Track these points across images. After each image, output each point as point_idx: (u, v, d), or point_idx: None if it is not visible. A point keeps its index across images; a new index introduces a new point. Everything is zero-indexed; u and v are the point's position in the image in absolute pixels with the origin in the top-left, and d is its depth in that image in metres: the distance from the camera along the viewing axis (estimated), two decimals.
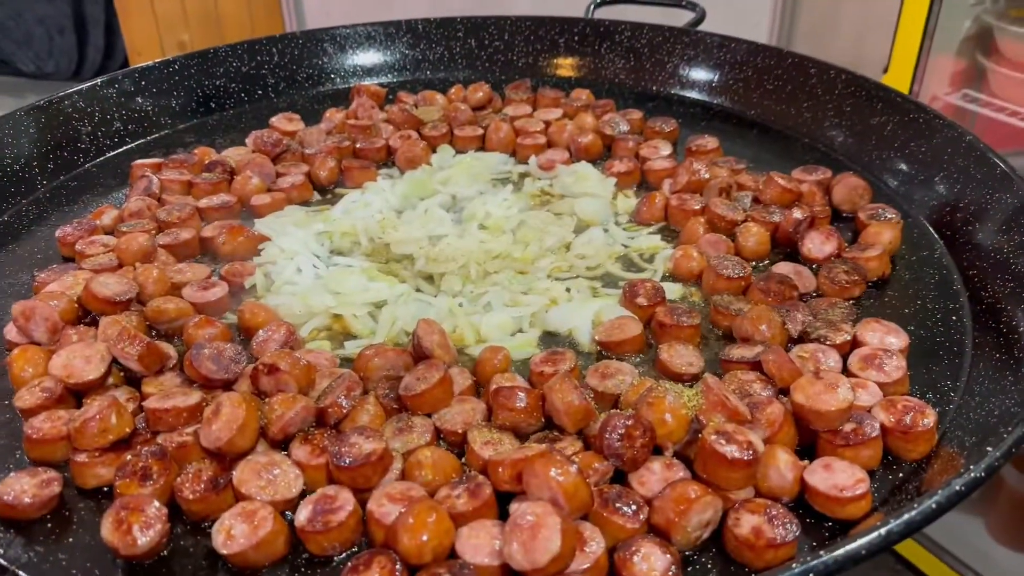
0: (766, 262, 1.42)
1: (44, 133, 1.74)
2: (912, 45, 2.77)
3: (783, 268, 1.36)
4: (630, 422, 0.97)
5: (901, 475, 1.00)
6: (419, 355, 1.15)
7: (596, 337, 1.24)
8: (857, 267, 1.33)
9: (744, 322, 1.21)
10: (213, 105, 2.00)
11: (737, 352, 1.16)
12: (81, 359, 1.12)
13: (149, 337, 1.20)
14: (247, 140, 1.79)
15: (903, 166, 1.62)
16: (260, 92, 2.06)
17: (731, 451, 0.93)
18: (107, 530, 0.91)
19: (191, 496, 0.95)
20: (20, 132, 1.70)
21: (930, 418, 1.02)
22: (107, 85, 1.85)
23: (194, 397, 1.06)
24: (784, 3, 3.29)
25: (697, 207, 1.52)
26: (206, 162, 1.70)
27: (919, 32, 2.73)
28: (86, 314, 1.27)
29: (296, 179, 1.64)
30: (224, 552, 0.89)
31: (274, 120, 1.86)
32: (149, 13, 4.31)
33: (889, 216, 1.44)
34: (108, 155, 1.81)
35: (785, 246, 1.44)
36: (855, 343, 1.18)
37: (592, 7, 2.30)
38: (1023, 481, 2.03)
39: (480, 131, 1.84)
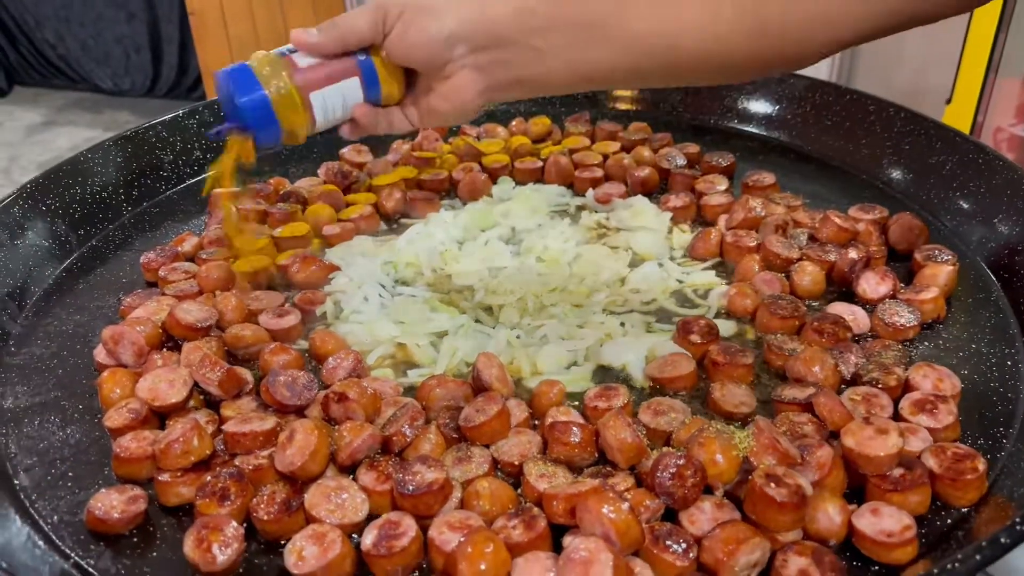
0: (820, 301, 1.44)
1: (130, 161, 1.84)
2: (976, 75, 2.74)
3: (838, 308, 1.38)
4: (681, 462, 1.00)
5: (950, 521, 1.02)
6: (478, 387, 1.21)
7: (649, 373, 1.28)
8: (912, 309, 1.35)
9: (797, 363, 1.24)
10: None
11: (789, 393, 1.18)
12: (165, 383, 1.20)
13: (227, 361, 1.28)
14: (319, 171, 1.87)
15: (962, 205, 1.62)
16: None
17: (780, 495, 0.95)
18: (189, 547, 0.98)
19: (266, 517, 1.02)
20: (108, 161, 1.80)
21: (980, 465, 1.03)
22: (189, 116, 1.95)
23: (270, 422, 1.13)
24: None
25: (752, 244, 1.54)
26: (280, 192, 1.78)
27: (983, 62, 2.70)
28: (169, 338, 1.35)
29: (365, 210, 1.72)
30: (295, 572, 0.95)
31: (344, 152, 1.94)
32: (222, 35, 4.48)
33: (945, 258, 1.45)
34: (188, 182, 1.91)
35: (840, 285, 1.46)
36: (907, 387, 1.20)
37: None
38: None
39: (540, 163, 1.89)
